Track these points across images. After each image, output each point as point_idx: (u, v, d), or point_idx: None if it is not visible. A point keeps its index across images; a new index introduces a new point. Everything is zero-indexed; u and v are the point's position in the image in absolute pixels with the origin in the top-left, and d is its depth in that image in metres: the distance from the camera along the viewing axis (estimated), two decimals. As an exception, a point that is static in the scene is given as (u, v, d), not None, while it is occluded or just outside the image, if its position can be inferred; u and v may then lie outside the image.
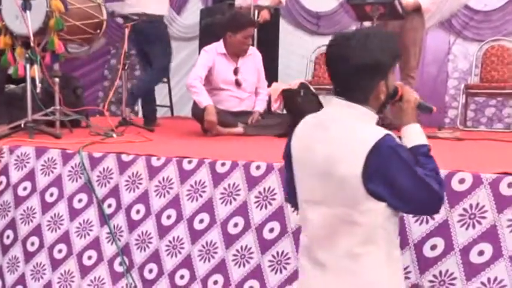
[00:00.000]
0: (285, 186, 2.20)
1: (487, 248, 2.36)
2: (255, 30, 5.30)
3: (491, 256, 2.35)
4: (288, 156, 2.05)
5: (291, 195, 2.09)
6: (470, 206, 2.41)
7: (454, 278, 2.41)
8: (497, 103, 6.31)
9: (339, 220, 1.84)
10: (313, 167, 1.88)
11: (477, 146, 4.00)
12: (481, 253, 2.37)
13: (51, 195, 3.30)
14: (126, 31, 4.64)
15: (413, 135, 1.96)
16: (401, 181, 1.78)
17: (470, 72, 6.24)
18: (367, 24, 5.10)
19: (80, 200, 3.24)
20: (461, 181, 2.45)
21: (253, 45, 5.14)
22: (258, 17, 5.42)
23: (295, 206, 2.11)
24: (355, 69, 1.81)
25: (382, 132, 1.80)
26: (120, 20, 5.98)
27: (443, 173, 2.47)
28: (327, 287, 1.89)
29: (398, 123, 2.00)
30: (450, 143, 4.15)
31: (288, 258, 2.73)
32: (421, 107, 2.04)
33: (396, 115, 2.00)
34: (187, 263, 2.95)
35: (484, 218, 2.38)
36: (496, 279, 2.33)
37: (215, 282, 2.86)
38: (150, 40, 5.30)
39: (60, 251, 3.23)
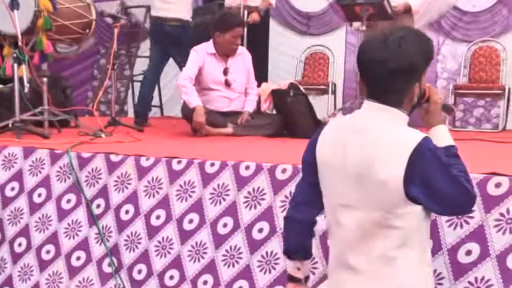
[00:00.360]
0: (298, 192, 2.12)
1: (475, 248, 2.37)
2: (245, 30, 5.30)
3: (478, 256, 2.36)
4: (309, 161, 2.02)
5: (306, 202, 2.06)
6: (458, 206, 2.42)
7: (442, 278, 2.42)
8: (486, 103, 6.35)
9: (375, 224, 1.83)
10: (346, 170, 1.86)
11: (465, 146, 3.98)
12: (468, 253, 2.38)
13: (39, 195, 3.28)
14: (115, 31, 4.63)
15: (442, 136, 1.98)
16: (439, 182, 1.78)
17: (459, 72, 6.27)
18: (356, 24, 5.10)
19: (68, 201, 3.23)
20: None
21: (243, 45, 5.14)
22: (247, 18, 5.42)
23: (303, 212, 2.08)
24: (393, 73, 1.79)
25: (421, 134, 1.81)
26: (109, 20, 5.96)
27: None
28: None
29: (425, 123, 2.01)
30: (439, 143, 4.16)
31: (277, 259, 2.73)
32: (444, 108, 2.05)
33: (423, 116, 2.00)
34: (176, 263, 2.95)
35: (471, 217, 2.39)
36: (483, 278, 2.34)
37: (205, 283, 2.86)
38: (182, 43, 5.36)
39: (48, 251, 3.21)
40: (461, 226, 2.41)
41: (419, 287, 1.88)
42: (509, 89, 5.57)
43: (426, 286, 1.91)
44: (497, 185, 2.36)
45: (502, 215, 2.34)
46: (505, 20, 6.20)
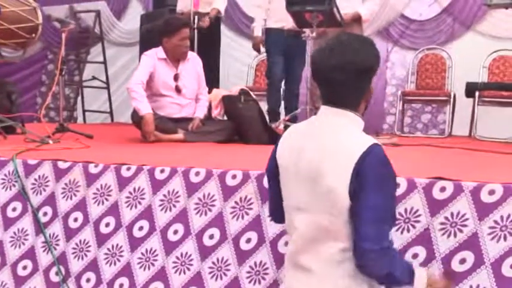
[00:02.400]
0: (269, 201, 2.20)
1: (421, 251, 2.43)
2: (195, 35, 5.30)
3: (424, 259, 2.41)
4: (271, 168, 2.07)
5: (276, 208, 2.12)
6: (405, 210, 2.47)
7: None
8: (433, 109, 6.51)
9: (323, 227, 1.87)
10: (300, 174, 1.90)
11: (413, 152, 4.10)
12: (415, 256, 2.43)
13: (-16, 204, 3.20)
14: (63, 36, 4.55)
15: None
16: (366, 194, 1.79)
17: (407, 79, 6.42)
18: (306, 31, 5.16)
19: (14, 209, 3.15)
20: (397, 186, 2.50)
21: (193, 50, 5.14)
22: (198, 23, 5.42)
23: (279, 219, 2.13)
24: (351, 75, 1.84)
25: (370, 142, 1.84)
26: (57, 24, 5.86)
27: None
28: None
29: None
30: (387, 148, 4.19)
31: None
32: None
33: None
34: (126, 271, 2.91)
35: (418, 222, 2.44)
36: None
37: (155, 290, 2.84)
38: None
39: (-7, 261, 3.13)
40: (408, 230, 2.46)
41: None
42: (454, 96, 5.72)
43: None
44: (442, 189, 2.42)
45: (446, 218, 2.40)
46: (450, 29, 6.39)
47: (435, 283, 1.95)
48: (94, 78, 7.52)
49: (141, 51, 5.53)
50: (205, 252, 2.77)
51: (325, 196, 1.84)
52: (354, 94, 1.89)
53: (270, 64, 5.67)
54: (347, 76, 1.84)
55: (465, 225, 2.37)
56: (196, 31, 5.38)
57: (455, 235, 2.38)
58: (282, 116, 5.69)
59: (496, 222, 2.33)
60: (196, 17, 5.41)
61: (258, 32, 5.61)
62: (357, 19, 5.25)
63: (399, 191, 2.48)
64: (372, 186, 1.79)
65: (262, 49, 5.73)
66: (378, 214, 1.80)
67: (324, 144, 1.87)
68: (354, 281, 1.87)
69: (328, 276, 1.88)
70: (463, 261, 2.36)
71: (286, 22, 5.35)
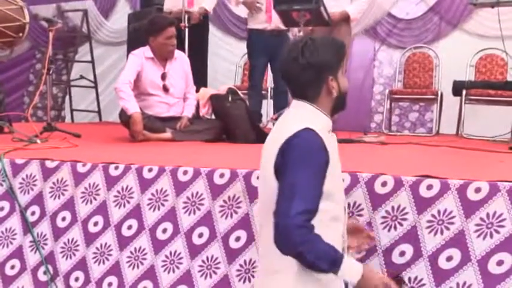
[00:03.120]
0: None
1: (408, 249, 2.45)
2: (186, 34, 5.30)
3: (411, 256, 2.43)
4: None
5: None
6: (392, 208, 2.49)
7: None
8: (420, 108, 6.54)
9: (265, 214, 1.92)
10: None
11: (400, 150, 4.13)
12: (402, 254, 2.45)
13: (-30, 204, 3.18)
14: (51, 35, 4.53)
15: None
16: (286, 172, 1.84)
17: (394, 78, 6.44)
18: (293, 30, 5.18)
19: (1, 208, 3.14)
20: (384, 184, 2.52)
21: (184, 49, 5.14)
22: (188, 22, 5.42)
23: None
24: (303, 71, 1.94)
25: (302, 127, 1.86)
26: (44, 24, 5.83)
27: (366, 176, 2.55)
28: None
29: None
30: (375, 147, 4.27)
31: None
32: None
33: None
34: (115, 270, 2.91)
35: (405, 219, 2.46)
36: (416, 278, 2.41)
37: (144, 289, 2.84)
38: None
39: (-20, 261, 3.12)
40: (396, 228, 2.48)
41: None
42: (441, 94, 5.76)
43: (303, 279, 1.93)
44: (429, 187, 2.45)
45: (433, 216, 2.42)
46: (437, 28, 6.42)
47: (371, 279, 1.88)
48: (82, 77, 7.49)
49: (129, 51, 5.52)
50: (194, 250, 2.78)
51: (265, 186, 1.94)
52: (310, 88, 1.96)
53: (251, 67, 5.80)
54: (300, 71, 1.94)
55: (452, 223, 2.40)
56: (187, 30, 5.36)
57: (442, 233, 2.41)
58: (264, 116, 5.76)
59: (482, 219, 2.36)
60: (187, 16, 5.40)
61: None
62: (345, 18, 5.27)
63: (386, 189, 2.51)
64: (291, 165, 1.83)
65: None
66: (292, 191, 1.80)
67: (272, 134, 1.98)
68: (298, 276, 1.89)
69: (266, 255, 1.97)
70: (449, 258, 2.38)
71: (268, 24, 5.54)
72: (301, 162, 1.82)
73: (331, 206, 1.91)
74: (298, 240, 1.77)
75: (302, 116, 1.94)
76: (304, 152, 1.84)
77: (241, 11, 7.08)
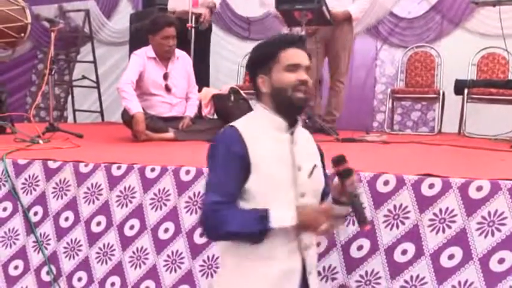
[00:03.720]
0: None
1: (410, 247, 2.45)
2: (193, 34, 5.29)
3: (413, 255, 2.44)
4: None
5: None
6: (394, 207, 2.49)
7: (380, 277, 2.48)
8: (422, 107, 6.53)
9: None
10: None
11: (402, 149, 4.13)
12: (404, 252, 2.45)
13: (-26, 204, 3.19)
14: (53, 35, 4.54)
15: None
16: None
17: (396, 77, 6.44)
18: (295, 29, 5.18)
19: (4, 209, 3.15)
20: (386, 183, 2.52)
21: (189, 49, 5.14)
22: (195, 23, 5.40)
23: None
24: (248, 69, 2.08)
25: (229, 125, 1.97)
26: (46, 24, 5.84)
27: (368, 175, 2.55)
28: None
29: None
30: (377, 146, 4.27)
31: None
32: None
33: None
34: (118, 270, 2.92)
35: (407, 218, 2.47)
36: (418, 276, 2.42)
37: (146, 289, 2.85)
38: None
39: (-16, 261, 3.13)
40: (398, 227, 2.48)
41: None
42: (443, 93, 5.75)
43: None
44: (431, 186, 2.45)
45: (435, 215, 2.43)
46: (438, 26, 6.41)
47: (308, 214, 1.87)
48: (84, 77, 7.50)
49: (131, 51, 5.51)
50: (196, 250, 2.79)
51: None
52: (253, 88, 2.05)
53: None
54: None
55: (453, 221, 2.40)
56: (193, 30, 5.36)
57: (443, 231, 2.41)
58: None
59: (483, 218, 2.36)
60: (194, 16, 5.38)
61: None
62: (347, 17, 5.27)
63: (388, 188, 2.51)
64: (207, 161, 1.97)
65: None
66: (207, 185, 1.93)
67: None
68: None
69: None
70: (451, 256, 2.39)
71: None
72: (209, 157, 1.94)
73: (255, 205, 1.90)
74: (217, 222, 1.83)
75: (247, 115, 2.04)
76: (212, 149, 1.94)
77: (244, 11, 7.11)
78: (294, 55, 1.96)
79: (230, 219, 1.82)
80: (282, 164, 1.93)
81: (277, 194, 1.92)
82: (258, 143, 1.91)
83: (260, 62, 2.00)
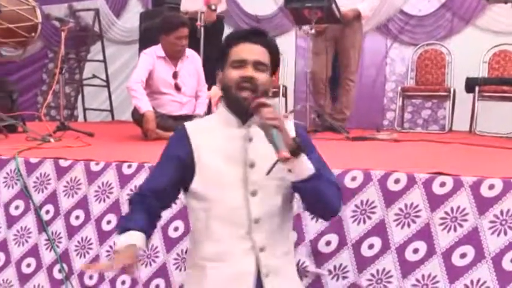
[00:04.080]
0: None
1: (421, 246, 2.44)
2: (202, 33, 5.28)
3: (425, 253, 2.43)
4: None
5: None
6: (405, 205, 2.48)
7: (391, 276, 2.47)
8: (433, 105, 6.51)
9: None
10: None
11: (413, 147, 4.11)
12: (415, 251, 2.45)
13: (-14, 202, 3.21)
14: (63, 34, 4.56)
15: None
16: None
17: (406, 75, 6.42)
18: (305, 28, 5.17)
19: (16, 207, 3.17)
20: (397, 181, 2.51)
21: (199, 48, 5.13)
22: (204, 21, 5.39)
23: None
24: None
25: (183, 125, 2.01)
26: (57, 23, 5.87)
27: (379, 173, 2.54)
28: None
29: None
30: (387, 144, 4.26)
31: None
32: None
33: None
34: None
35: (418, 216, 2.46)
36: (430, 275, 2.41)
37: (157, 287, 2.85)
38: None
39: (-3, 259, 3.15)
40: (409, 225, 2.47)
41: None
42: (454, 91, 5.73)
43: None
44: (442, 184, 2.44)
45: (446, 213, 2.42)
46: (449, 24, 6.38)
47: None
48: (94, 76, 7.53)
49: (141, 49, 5.52)
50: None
51: None
52: None
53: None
54: None
55: (465, 220, 2.39)
56: (203, 29, 5.35)
57: (455, 230, 2.40)
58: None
59: (496, 216, 2.35)
60: (202, 14, 5.37)
61: None
62: (357, 15, 5.26)
63: (399, 187, 2.50)
64: None
65: None
66: None
67: None
68: None
69: None
70: (463, 255, 2.38)
71: None
72: None
73: (204, 205, 1.90)
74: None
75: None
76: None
77: (253, 9, 7.10)
78: (240, 50, 1.87)
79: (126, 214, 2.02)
80: (231, 162, 1.88)
81: (225, 193, 1.88)
82: (207, 142, 1.88)
83: (219, 58, 1.94)
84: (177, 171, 1.93)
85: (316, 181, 1.79)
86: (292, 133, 1.85)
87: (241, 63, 1.85)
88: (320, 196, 1.82)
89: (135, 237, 1.87)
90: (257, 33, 1.91)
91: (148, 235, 1.94)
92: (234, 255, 1.87)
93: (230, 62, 1.88)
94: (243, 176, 1.86)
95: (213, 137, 1.89)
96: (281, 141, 1.72)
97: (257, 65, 1.86)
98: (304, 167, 1.78)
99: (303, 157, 1.77)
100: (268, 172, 1.78)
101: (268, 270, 1.86)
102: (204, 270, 1.92)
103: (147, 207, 1.96)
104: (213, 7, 5.42)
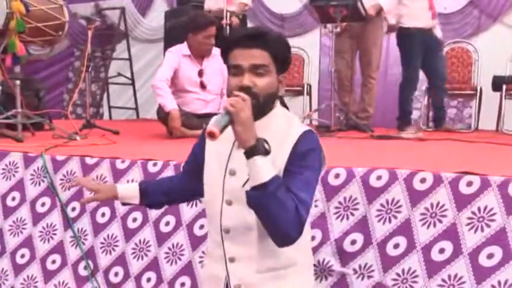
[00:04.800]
0: None
1: (448, 246, 2.42)
2: (228, 31, 5.29)
3: (451, 254, 2.40)
4: None
5: None
6: (431, 205, 2.46)
7: (416, 276, 2.45)
8: (458, 104, 6.43)
9: None
10: None
11: (439, 146, 4.07)
12: (441, 251, 2.42)
13: (13, 199, 3.25)
14: (90, 33, 4.60)
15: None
16: None
17: (432, 73, 6.34)
18: (329, 26, 5.15)
19: (43, 204, 3.20)
20: (423, 180, 2.49)
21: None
22: (229, 21, 5.40)
23: None
24: None
25: None
26: (83, 22, 5.93)
27: (405, 172, 2.52)
28: None
29: None
30: (413, 143, 4.22)
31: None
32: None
33: None
34: (154, 265, 2.94)
35: (444, 216, 2.43)
36: (456, 275, 2.38)
37: (182, 284, 2.87)
38: None
39: (23, 255, 3.18)
40: (435, 225, 2.45)
41: None
42: (481, 90, 5.66)
43: None
44: (469, 184, 2.41)
45: (473, 213, 2.39)
46: (476, 21, 6.29)
47: None
48: (119, 74, 7.58)
49: (166, 48, 5.54)
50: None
51: None
52: None
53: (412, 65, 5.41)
54: None
55: (493, 220, 2.36)
56: (229, 27, 5.36)
57: (482, 230, 2.37)
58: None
59: (524, 216, 2.31)
60: (228, 13, 5.38)
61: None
62: (378, 11, 5.22)
63: (425, 186, 2.48)
64: None
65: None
66: None
67: None
68: None
69: None
70: (490, 256, 2.35)
71: (423, 21, 5.23)
72: None
73: (205, 201, 1.89)
74: None
75: None
76: None
77: (277, 7, 7.09)
78: (235, 56, 1.74)
79: None
80: (219, 166, 1.80)
81: (210, 195, 1.84)
82: (217, 141, 1.72)
83: (224, 61, 1.82)
84: (193, 162, 1.96)
85: (263, 192, 1.59)
86: (293, 137, 1.71)
87: (237, 70, 1.73)
88: (263, 213, 1.63)
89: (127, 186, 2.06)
90: (252, 35, 1.75)
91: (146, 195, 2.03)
92: (213, 258, 1.85)
93: (229, 69, 1.77)
94: (222, 183, 1.78)
95: (222, 137, 1.70)
96: (222, 123, 1.60)
97: (255, 69, 1.72)
98: (257, 171, 1.60)
99: (257, 160, 1.59)
100: (244, 184, 1.68)
101: (240, 282, 1.78)
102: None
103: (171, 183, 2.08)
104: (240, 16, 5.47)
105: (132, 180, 3.04)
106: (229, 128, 1.62)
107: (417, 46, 5.20)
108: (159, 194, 2.04)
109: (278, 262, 1.77)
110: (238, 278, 1.78)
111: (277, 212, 1.60)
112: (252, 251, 1.76)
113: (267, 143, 1.62)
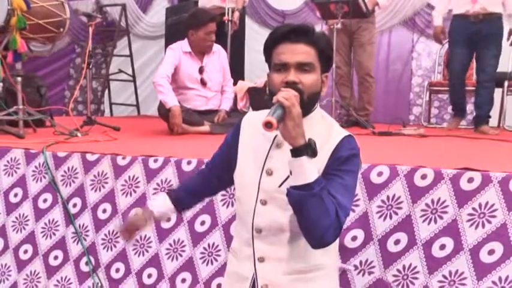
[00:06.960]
0: None
1: (448, 242, 2.42)
2: (229, 28, 5.30)
3: (452, 250, 2.40)
4: None
5: None
6: (432, 201, 2.46)
7: (417, 272, 2.46)
8: (460, 100, 6.41)
9: None
10: None
11: (440, 142, 4.07)
12: (442, 247, 2.42)
13: (15, 195, 3.26)
14: (90, 30, 4.60)
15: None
16: None
17: (433, 69, 6.35)
18: (331, 22, 5.15)
19: (44, 200, 3.21)
20: (424, 177, 2.49)
21: (226, 43, 5.14)
22: (232, 16, 5.40)
23: None
24: None
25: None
26: (84, 19, 5.92)
27: (406, 169, 2.52)
28: None
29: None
30: (414, 139, 4.22)
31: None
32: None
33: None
34: (154, 261, 2.95)
35: (445, 212, 2.43)
36: (457, 272, 2.38)
37: (183, 280, 2.87)
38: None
39: (25, 251, 3.19)
40: (435, 221, 2.45)
41: None
42: (482, 86, 5.63)
43: None
44: (470, 180, 2.41)
45: (474, 209, 2.39)
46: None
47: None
48: (120, 71, 7.58)
49: (167, 44, 5.55)
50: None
51: None
52: None
53: (451, 56, 5.27)
54: None
55: (494, 216, 2.36)
56: (230, 24, 5.36)
57: (483, 226, 2.37)
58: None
59: (525, 212, 2.32)
60: (230, 9, 5.38)
61: (437, 22, 5.23)
62: (375, 6, 5.23)
63: (426, 182, 2.48)
64: None
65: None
66: None
67: None
68: None
69: None
70: (491, 252, 2.35)
71: (471, 5, 4.92)
72: None
73: (237, 197, 1.88)
74: None
75: None
76: None
77: (278, 4, 7.09)
78: (281, 53, 1.71)
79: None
80: (255, 164, 1.78)
81: (244, 193, 1.82)
82: (249, 136, 1.80)
83: (266, 59, 1.80)
84: (225, 156, 1.91)
85: (308, 192, 1.57)
86: (334, 141, 1.70)
87: (282, 67, 1.70)
88: (304, 213, 1.60)
89: (160, 202, 2.03)
90: (299, 30, 1.72)
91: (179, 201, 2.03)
92: (240, 256, 1.85)
93: (273, 65, 1.73)
94: (258, 182, 1.76)
95: (255, 134, 1.79)
96: (276, 113, 1.56)
97: (301, 66, 1.69)
98: (302, 171, 1.57)
99: (303, 160, 1.56)
100: (281, 184, 1.68)
101: (266, 283, 1.78)
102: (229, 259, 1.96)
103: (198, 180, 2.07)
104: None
105: (134, 177, 3.05)
106: None
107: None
108: (189, 197, 2.06)
109: (307, 265, 1.77)
110: (266, 279, 1.78)
111: (318, 214, 1.58)
112: (282, 253, 1.76)
113: (315, 144, 1.59)
